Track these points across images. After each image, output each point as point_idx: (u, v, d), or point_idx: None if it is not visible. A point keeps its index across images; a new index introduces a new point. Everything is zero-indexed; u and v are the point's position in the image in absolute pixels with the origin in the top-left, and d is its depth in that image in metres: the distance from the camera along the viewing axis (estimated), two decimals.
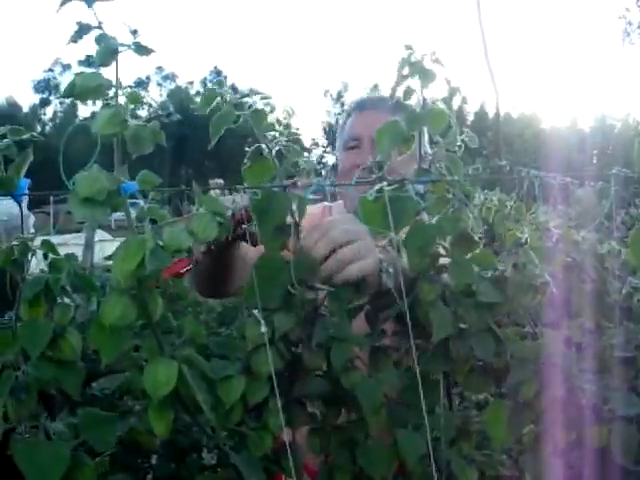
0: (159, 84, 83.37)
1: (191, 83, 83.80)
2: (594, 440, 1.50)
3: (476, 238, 1.49)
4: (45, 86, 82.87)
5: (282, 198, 1.38)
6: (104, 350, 1.17)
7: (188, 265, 1.58)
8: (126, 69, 1.22)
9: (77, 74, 1.19)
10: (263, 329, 1.30)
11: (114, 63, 1.19)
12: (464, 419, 1.59)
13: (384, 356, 1.53)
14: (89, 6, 1.17)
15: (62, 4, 1.19)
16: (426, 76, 1.49)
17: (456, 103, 1.54)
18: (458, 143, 1.53)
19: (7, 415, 1.23)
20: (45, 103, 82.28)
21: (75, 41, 1.18)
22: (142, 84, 78.53)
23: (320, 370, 1.46)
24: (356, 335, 1.45)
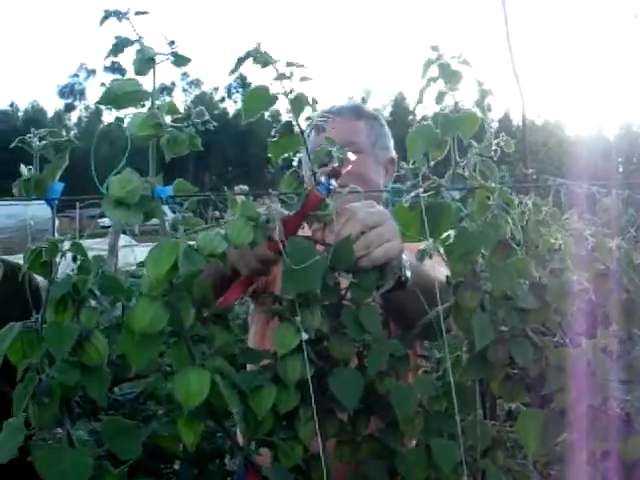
0: (184, 90, 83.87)
1: (216, 89, 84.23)
2: (627, 451, 1.48)
3: (514, 245, 1.46)
4: (70, 91, 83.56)
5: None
6: (133, 357, 1.16)
7: (240, 295, 1.55)
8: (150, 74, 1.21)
9: (113, 80, 1.20)
10: (304, 335, 1.28)
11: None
12: (499, 428, 1.56)
13: (405, 362, 1.50)
14: (119, 20, 1.17)
15: (103, 20, 1.18)
16: (454, 78, 1.47)
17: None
18: (493, 147, 1.50)
19: (29, 420, 1.21)
20: (70, 108, 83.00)
21: (115, 55, 1.18)
22: (167, 90, 79.01)
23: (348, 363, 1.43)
24: (391, 342, 1.43)
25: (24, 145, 1.19)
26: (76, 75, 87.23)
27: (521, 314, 1.46)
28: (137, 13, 1.19)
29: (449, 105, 1.47)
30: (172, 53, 1.21)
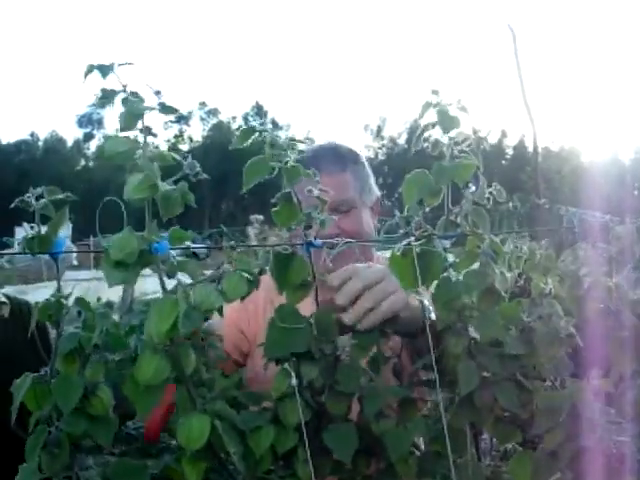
0: (202, 119, 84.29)
1: (234, 118, 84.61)
2: None
3: (502, 292, 1.51)
4: (88, 121, 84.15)
5: (301, 258, 1.43)
6: (139, 405, 1.23)
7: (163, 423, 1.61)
8: (169, 102, 1.27)
9: (106, 138, 1.25)
10: (294, 382, 1.34)
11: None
12: (492, 469, 1.60)
13: (413, 406, 1.55)
14: (103, 76, 1.24)
15: (86, 75, 1.24)
16: (451, 123, 1.51)
17: (495, 137, 1.56)
18: (486, 195, 1.54)
19: (41, 466, 1.28)
20: (88, 137, 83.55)
21: (103, 106, 1.24)
22: (183, 119, 79.48)
23: (344, 418, 1.49)
24: (388, 386, 1.48)
25: (23, 205, 1.25)
26: (94, 105, 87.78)
27: (509, 359, 1.50)
28: (121, 64, 1.25)
29: (444, 152, 1.52)
30: (159, 103, 1.26)
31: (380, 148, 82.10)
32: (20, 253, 1.24)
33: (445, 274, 1.48)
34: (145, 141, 1.23)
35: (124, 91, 1.24)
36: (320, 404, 1.46)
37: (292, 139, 1.43)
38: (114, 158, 1.21)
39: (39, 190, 1.26)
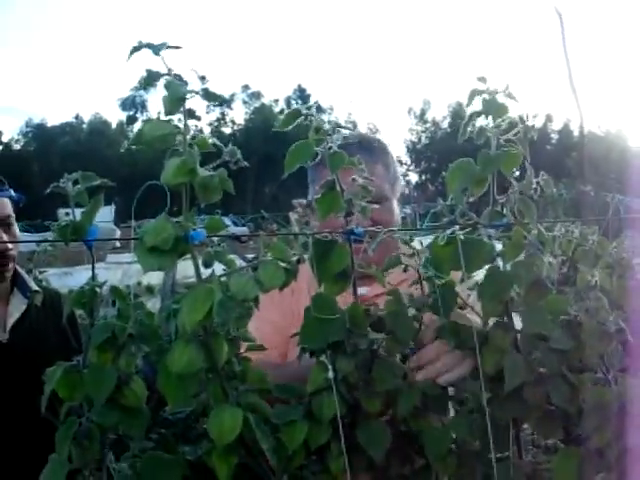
0: (245, 102, 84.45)
1: (276, 101, 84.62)
2: None
3: (549, 285, 1.46)
4: (132, 104, 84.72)
5: (342, 245, 1.39)
6: (171, 396, 1.20)
7: None
8: (212, 87, 1.24)
9: (145, 122, 1.22)
10: (330, 374, 1.31)
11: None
12: (533, 466, 1.56)
13: (452, 403, 1.52)
14: (155, 54, 1.20)
15: (132, 52, 1.21)
16: (497, 111, 1.47)
17: (540, 121, 1.51)
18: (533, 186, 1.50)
19: (71, 458, 1.26)
20: (132, 120, 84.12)
21: (145, 88, 1.21)
22: (226, 102, 79.67)
23: (379, 415, 1.45)
24: (424, 383, 1.45)
25: (58, 190, 1.23)
26: (138, 87, 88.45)
27: (557, 354, 1.46)
28: (169, 47, 1.21)
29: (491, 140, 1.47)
30: (203, 89, 1.23)
31: (423, 131, 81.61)
32: (54, 241, 1.22)
33: (493, 264, 1.43)
34: (185, 126, 1.20)
35: (169, 74, 1.20)
36: (355, 400, 1.43)
37: (337, 124, 1.40)
38: (153, 142, 1.19)
39: (74, 175, 1.24)
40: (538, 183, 1.51)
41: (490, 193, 1.48)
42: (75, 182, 1.24)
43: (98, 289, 1.24)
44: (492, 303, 1.43)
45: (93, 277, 1.25)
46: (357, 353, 1.39)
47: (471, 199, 1.47)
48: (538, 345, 1.45)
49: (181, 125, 1.21)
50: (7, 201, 2.41)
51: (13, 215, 2.41)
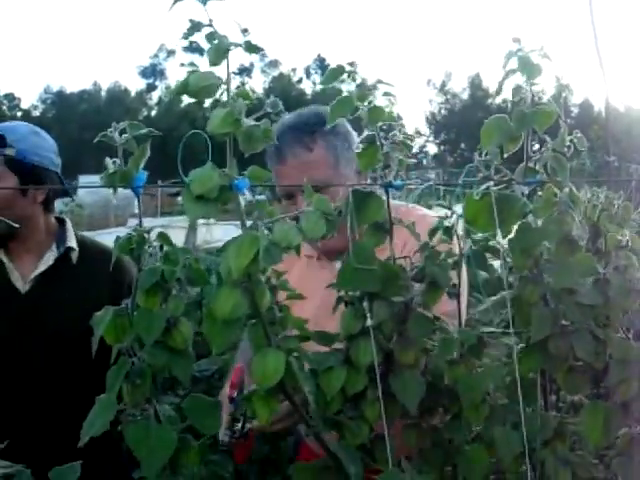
0: (263, 71, 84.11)
1: (294, 70, 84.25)
2: None
3: (579, 242, 1.49)
4: (151, 72, 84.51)
5: (379, 196, 1.42)
6: (215, 341, 1.23)
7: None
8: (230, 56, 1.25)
9: (190, 72, 1.24)
10: (369, 322, 1.34)
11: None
12: (560, 420, 1.59)
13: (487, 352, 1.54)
14: (203, 4, 1.22)
15: (175, 2, 1.23)
16: (533, 71, 1.48)
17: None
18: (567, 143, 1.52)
19: (121, 398, 1.30)
20: (151, 88, 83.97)
21: (187, 38, 1.23)
22: (246, 71, 79.43)
23: (412, 367, 1.48)
24: (461, 331, 1.47)
25: (106, 139, 1.25)
26: (156, 56, 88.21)
27: (584, 309, 1.48)
28: None
29: (526, 98, 1.49)
30: (245, 42, 1.26)
31: (443, 103, 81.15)
32: (105, 186, 1.25)
33: (525, 220, 1.45)
34: (229, 77, 1.22)
35: (210, 25, 1.23)
36: (389, 349, 1.46)
37: (379, 80, 1.42)
38: (198, 93, 1.21)
39: (122, 125, 1.27)
40: (571, 141, 1.53)
41: (524, 150, 1.50)
42: (121, 132, 1.27)
43: (146, 235, 1.27)
44: (522, 257, 1.46)
45: (140, 223, 1.28)
46: (392, 304, 1.43)
47: (505, 155, 1.49)
48: (566, 300, 1.48)
49: (224, 77, 1.23)
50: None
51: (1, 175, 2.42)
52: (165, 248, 1.29)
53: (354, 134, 2.17)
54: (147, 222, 1.37)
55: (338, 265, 2.13)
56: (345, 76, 1.42)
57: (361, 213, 1.38)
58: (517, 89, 1.50)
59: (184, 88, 1.22)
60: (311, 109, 2.21)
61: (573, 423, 1.59)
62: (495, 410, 1.50)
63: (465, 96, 76.62)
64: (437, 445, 1.53)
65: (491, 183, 1.43)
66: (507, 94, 1.52)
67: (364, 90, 1.37)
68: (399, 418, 1.51)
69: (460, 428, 1.50)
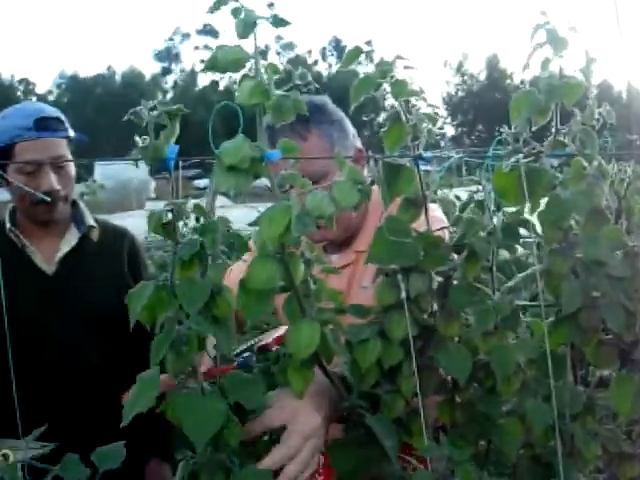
0: (278, 53, 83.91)
1: (310, 52, 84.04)
2: None
3: (608, 214, 1.48)
4: (166, 55, 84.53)
5: (410, 169, 1.41)
6: (249, 312, 1.24)
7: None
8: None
9: (218, 47, 1.24)
10: (403, 294, 1.34)
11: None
12: (589, 394, 1.58)
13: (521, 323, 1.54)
14: None
15: None
16: (560, 44, 1.47)
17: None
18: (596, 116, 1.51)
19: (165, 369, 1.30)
20: (166, 72, 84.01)
21: (212, 12, 1.23)
22: (261, 53, 78.97)
23: (453, 340, 1.48)
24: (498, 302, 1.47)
25: (135, 117, 1.25)
26: (171, 39, 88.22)
27: (614, 281, 1.48)
28: None
29: (554, 71, 1.48)
30: (272, 15, 1.24)
31: (459, 84, 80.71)
32: (137, 159, 1.25)
33: (554, 192, 1.45)
34: (256, 50, 1.22)
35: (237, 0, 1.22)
36: (426, 322, 1.46)
37: (398, 56, 1.41)
38: (227, 66, 1.21)
39: (152, 103, 1.27)
40: (600, 114, 1.52)
41: (553, 123, 1.50)
42: (151, 109, 1.26)
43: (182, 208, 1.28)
44: (552, 230, 1.46)
45: (174, 195, 1.28)
46: (431, 276, 1.43)
47: (534, 128, 1.49)
48: (596, 272, 1.47)
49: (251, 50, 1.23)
50: (61, 141, 2.44)
51: (67, 155, 2.44)
52: (202, 219, 1.30)
53: (348, 121, 2.14)
54: (160, 205, 1.37)
55: (334, 258, 2.13)
56: (362, 58, 1.41)
57: (391, 186, 1.38)
58: (545, 62, 1.49)
59: (213, 62, 1.22)
60: (304, 98, 2.15)
61: (602, 398, 1.59)
62: (527, 383, 1.50)
63: (483, 77, 76.28)
64: (472, 419, 1.53)
65: (520, 156, 1.42)
66: (530, 71, 1.52)
67: (384, 66, 1.36)
68: (434, 394, 1.51)
69: (495, 402, 1.50)
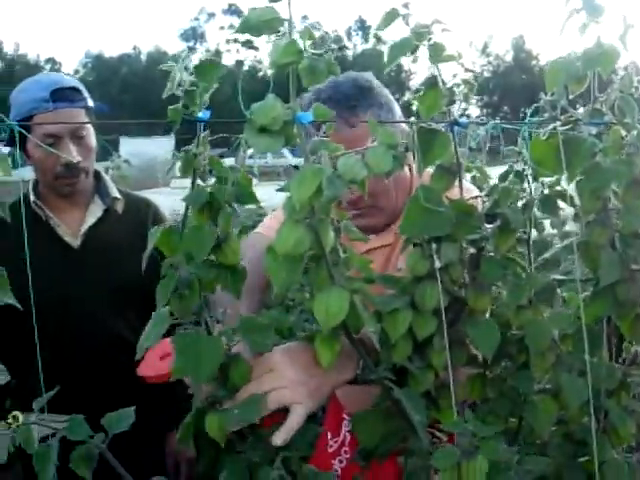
0: None
1: (335, 32, 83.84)
2: None
3: None
4: (191, 35, 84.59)
5: (445, 134, 1.37)
6: (277, 279, 1.20)
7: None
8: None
9: (251, 9, 1.21)
10: (437, 264, 1.30)
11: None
12: (625, 370, 1.55)
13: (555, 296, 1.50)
14: None
15: None
16: (596, 10, 1.42)
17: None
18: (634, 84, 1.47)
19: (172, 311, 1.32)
20: (191, 51, 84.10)
21: None
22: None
23: (485, 312, 1.45)
24: (531, 275, 1.44)
25: (169, 68, 1.24)
26: (197, 19, 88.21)
27: None
28: None
29: (591, 38, 1.44)
30: None
31: (485, 65, 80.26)
32: (172, 122, 1.23)
33: (594, 160, 1.40)
34: (290, 12, 1.18)
35: None
36: (456, 295, 1.43)
37: (435, 20, 1.38)
38: (259, 27, 1.17)
39: (187, 59, 1.26)
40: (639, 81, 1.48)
41: (590, 91, 1.46)
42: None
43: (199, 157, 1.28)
44: (591, 199, 1.42)
45: (198, 144, 1.27)
46: (463, 245, 1.39)
47: (571, 96, 1.45)
48: (635, 244, 1.44)
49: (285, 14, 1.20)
50: (80, 111, 2.43)
51: (86, 126, 2.42)
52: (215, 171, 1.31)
53: (395, 102, 2.06)
54: (185, 182, 1.37)
55: (372, 238, 2.07)
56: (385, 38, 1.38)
57: (426, 152, 1.34)
58: (582, 27, 1.45)
59: (246, 24, 1.18)
60: (348, 78, 2.00)
61: (637, 374, 1.56)
62: (561, 358, 1.47)
63: (508, 58, 75.82)
64: (503, 395, 1.50)
65: (558, 123, 1.39)
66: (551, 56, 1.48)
67: (422, 28, 1.32)
68: (463, 367, 1.48)
69: (528, 378, 1.47)
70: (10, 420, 1.33)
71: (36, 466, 1.32)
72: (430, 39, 1.33)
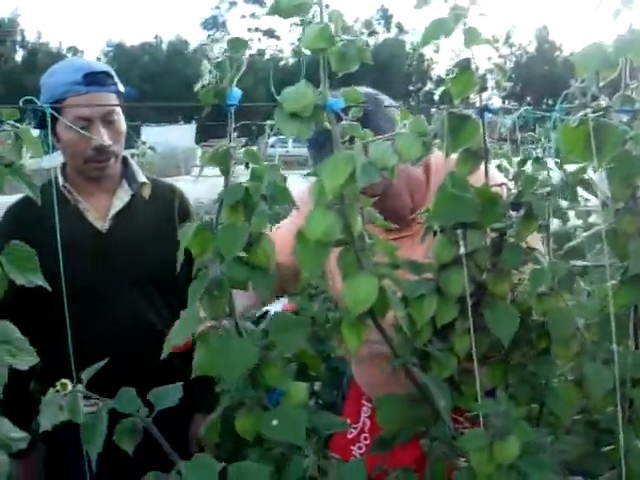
0: None
1: (356, 21, 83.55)
2: None
3: None
4: (213, 24, 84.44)
5: (475, 120, 1.37)
6: (307, 265, 1.21)
7: None
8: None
9: None
10: (462, 250, 1.30)
11: None
12: None
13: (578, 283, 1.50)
14: None
15: None
16: None
17: None
18: None
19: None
20: (212, 40, 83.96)
21: None
22: (307, 21, 78.84)
23: (505, 298, 1.45)
24: (553, 262, 1.43)
25: (199, 54, 1.24)
26: (218, 7, 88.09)
27: None
28: None
29: (623, 25, 1.43)
30: None
31: (507, 55, 79.84)
32: (199, 105, 1.23)
33: (625, 148, 1.40)
34: None
35: None
36: (481, 281, 1.43)
37: (472, 1, 1.37)
38: (290, 11, 1.18)
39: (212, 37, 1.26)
40: None
41: (622, 77, 1.45)
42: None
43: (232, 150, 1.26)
44: (621, 187, 1.41)
45: (230, 139, 1.26)
46: (486, 233, 1.39)
47: (601, 83, 1.44)
48: None
49: None
50: (111, 95, 2.43)
51: (117, 110, 2.43)
52: (251, 165, 1.29)
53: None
54: (212, 170, 1.36)
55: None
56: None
57: (455, 137, 1.34)
58: (616, 12, 1.44)
59: (277, 7, 1.19)
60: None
61: None
62: (585, 346, 1.46)
63: (531, 49, 75.30)
64: (523, 381, 1.50)
65: (588, 110, 1.38)
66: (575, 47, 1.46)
67: (459, 10, 1.31)
68: (486, 352, 1.47)
69: (549, 364, 1.47)
70: (59, 387, 1.33)
71: (84, 437, 1.31)
72: (465, 23, 1.32)
